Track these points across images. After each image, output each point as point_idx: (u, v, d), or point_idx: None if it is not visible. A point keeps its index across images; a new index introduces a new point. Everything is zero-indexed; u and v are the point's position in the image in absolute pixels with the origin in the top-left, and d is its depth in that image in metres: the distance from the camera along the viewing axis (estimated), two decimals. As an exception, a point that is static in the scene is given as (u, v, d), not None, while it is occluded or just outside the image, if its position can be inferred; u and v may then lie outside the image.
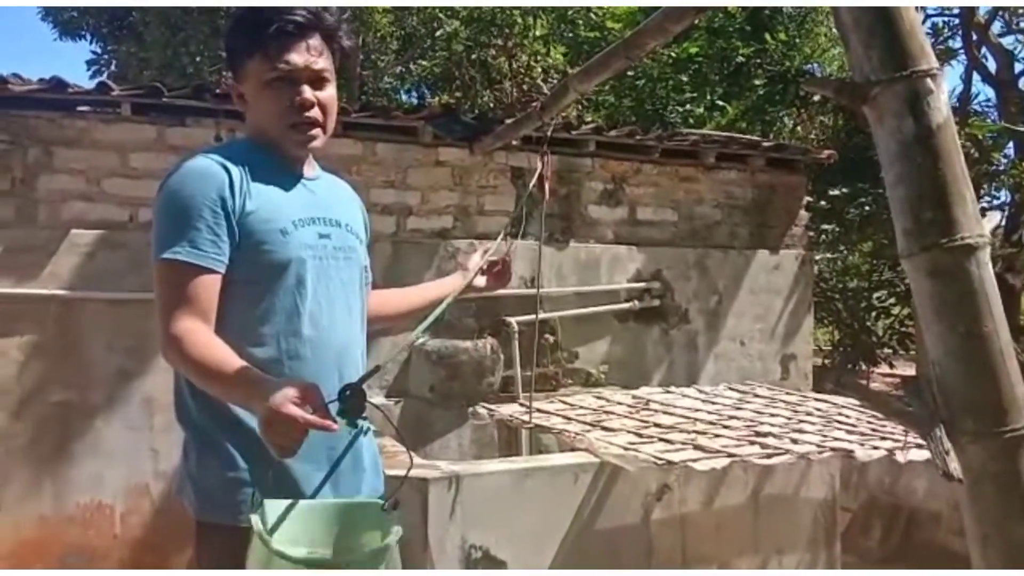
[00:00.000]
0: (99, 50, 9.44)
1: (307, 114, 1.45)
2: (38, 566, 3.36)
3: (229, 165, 1.42)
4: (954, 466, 1.15)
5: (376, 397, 3.67)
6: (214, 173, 1.40)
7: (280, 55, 1.42)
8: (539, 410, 3.31)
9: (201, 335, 1.35)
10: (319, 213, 1.51)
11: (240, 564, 1.33)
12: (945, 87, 1.25)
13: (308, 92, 1.45)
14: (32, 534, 3.36)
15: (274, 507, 1.30)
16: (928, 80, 1.21)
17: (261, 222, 1.42)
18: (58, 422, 3.42)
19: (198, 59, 8.54)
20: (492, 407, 3.48)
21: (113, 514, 3.47)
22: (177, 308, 1.36)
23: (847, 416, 3.25)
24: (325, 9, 1.48)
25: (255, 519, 1.24)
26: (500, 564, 2.52)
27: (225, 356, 1.33)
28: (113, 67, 9.34)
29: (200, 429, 1.43)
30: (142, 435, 3.49)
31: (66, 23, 9.16)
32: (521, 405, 3.59)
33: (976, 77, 8.75)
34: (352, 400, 1.29)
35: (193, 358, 1.33)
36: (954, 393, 1.20)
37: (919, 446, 2.44)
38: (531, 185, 2.17)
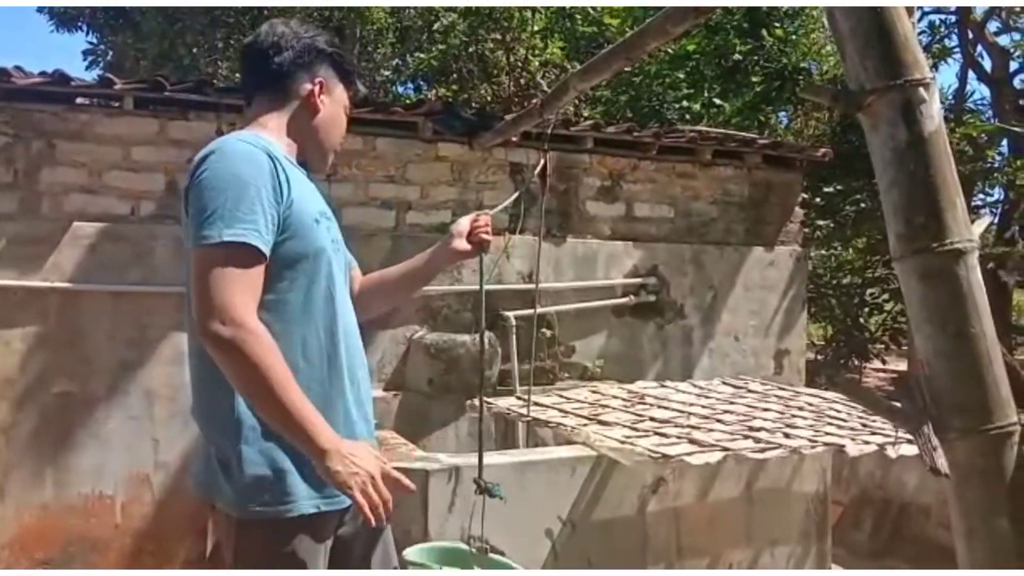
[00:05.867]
0: (95, 41, 9.42)
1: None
2: (40, 554, 3.40)
3: (273, 153, 1.43)
4: (941, 462, 1.20)
5: (375, 391, 3.70)
6: (262, 160, 1.40)
7: (354, 97, 1.72)
8: (536, 403, 3.35)
9: (268, 338, 1.32)
10: (325, 208, 1.58)
11: (280, 556, 1.38)
12: (937, 96, 1.29)
13: None
14: (34, 523, 3.40)
15: None
16: (921, 89, 1.25)
17: (298, 213, 1.44)
18: (60, 412, 3.45)
19: (195, 50, 8.54)
20: (490, 400, 3.52)
21: (114, 503, 3.50)
22: (245, 295, 1.32)
23: (838, 411, 3.30)
24: None
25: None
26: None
27: (289, 374, 1.32)
28: (109, 57, 9.33)
29: (246, 427, 1.39)
30: (143, 425, 3.52)
31: (63, 15, 9.14)
32: (518, 398, 3.64)
33: (971, 76, 8.82)
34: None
35: (263, 362, 1.29)
36: (943, 391, 1.24)
37: (909, 442, 2.49)
38: (535, 175, 2.21)
